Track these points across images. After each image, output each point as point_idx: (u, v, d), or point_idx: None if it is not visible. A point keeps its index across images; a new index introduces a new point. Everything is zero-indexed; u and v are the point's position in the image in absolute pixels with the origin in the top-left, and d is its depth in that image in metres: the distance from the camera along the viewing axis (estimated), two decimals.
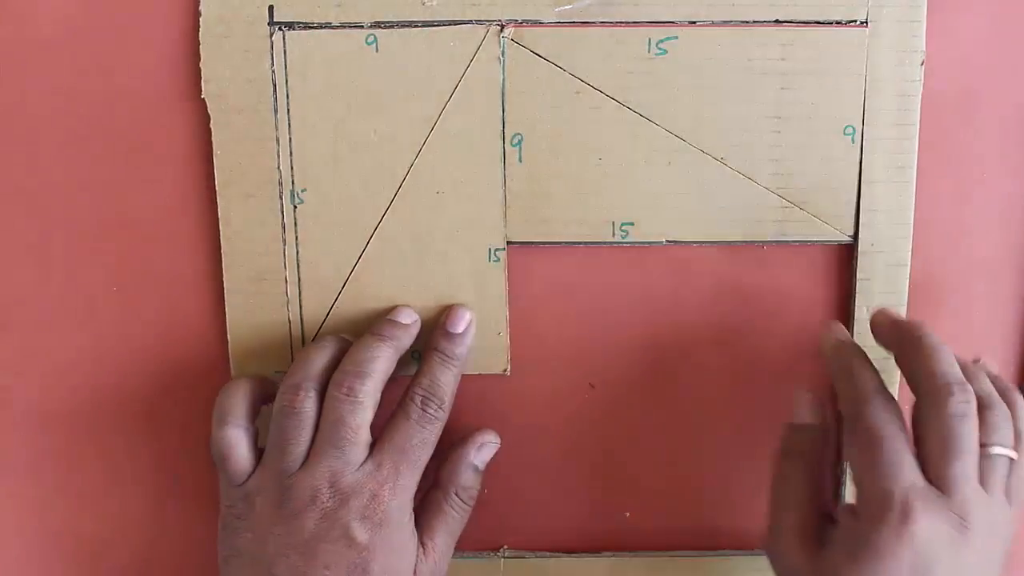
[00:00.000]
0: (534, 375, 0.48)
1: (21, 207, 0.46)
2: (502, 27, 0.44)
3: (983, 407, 0.41)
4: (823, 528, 0.42)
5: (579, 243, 0.46)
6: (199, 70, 0.44)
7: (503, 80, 0.44)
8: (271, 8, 0.43)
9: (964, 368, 0.42)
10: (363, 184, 0.45)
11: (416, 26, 0.44)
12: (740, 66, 0.44)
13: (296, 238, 0.46)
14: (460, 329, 0.45)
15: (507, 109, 0.45)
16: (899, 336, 0.43)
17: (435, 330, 0.45)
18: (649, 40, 0.44)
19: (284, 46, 0.44)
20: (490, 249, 0.46)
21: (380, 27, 0.44)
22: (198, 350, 0.47)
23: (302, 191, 0.45)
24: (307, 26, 0.44)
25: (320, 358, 0.43)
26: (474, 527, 0.47)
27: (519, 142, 0.45)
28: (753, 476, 0.49)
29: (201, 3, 0.43)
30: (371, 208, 0.46)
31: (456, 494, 0.45)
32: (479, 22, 0.44)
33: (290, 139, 0.45)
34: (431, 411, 0.43)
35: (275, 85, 0.44)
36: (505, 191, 0.46)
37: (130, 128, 0.45)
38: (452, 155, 0.45)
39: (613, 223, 0.46)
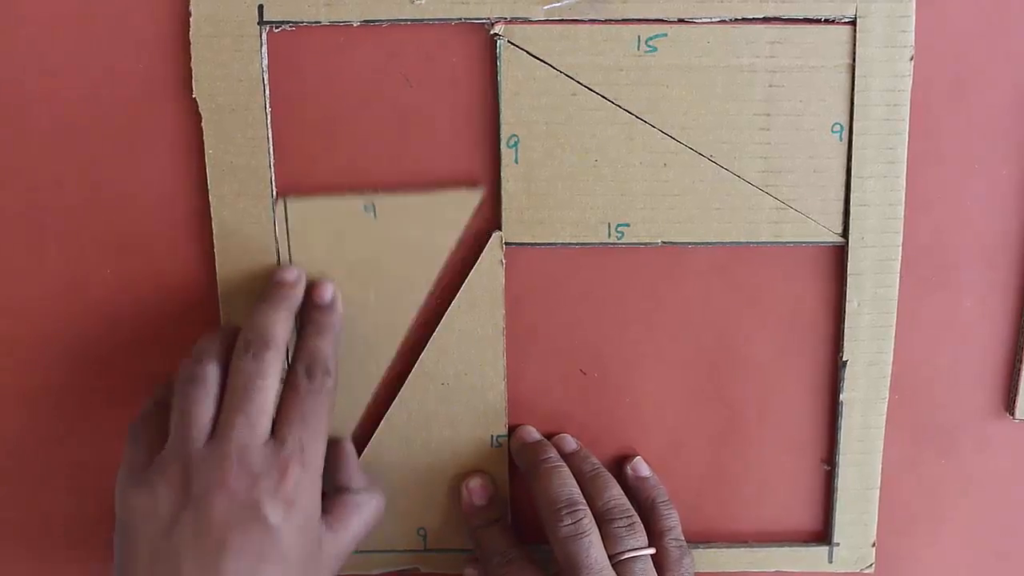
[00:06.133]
0: (531, 376, 0.49)
1: (14, 207, 0.47)
2: (492, 24, 0.44)
3: (603, 521, 0.45)
4: None
5: (575, 244, 0.47)
6: (190, 69, 0.44)
7: (499, 81, 0.45)
8: (261, 7, 0.44)
9: (593, 482, 0.46)
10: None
11: (405, 23, 0.44)
12: (729, 64, 0.44)
13: None
14: (328, 299, 0.45)
15: (503, 110, 0.45)
16: (525, 459, 0.47)
17: (305, 304, 0.45)
18: (639, 37, 0.44)
19: (287, 216, 0.46)
20: (492, 436, 0.48)
21: (369, 25, 0.44)
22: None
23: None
24: (297, 24, 0.44)
25: (219, 336, 0.43)
26: None
27: (516, 143, 0.45)
28: (738, 472, 0.50)
29: (191, 3, 0.43)
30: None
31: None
32: (468, 20, 0.44)
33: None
34: (317, 378, 0.42)
35: (266, 84, 0.44)
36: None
37: (123, 126, 0.45)
38: (456, 347, 0.47)
39: (609, 224, 0.46)
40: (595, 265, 0.47)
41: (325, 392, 0.42)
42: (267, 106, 0.44)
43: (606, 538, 0.44)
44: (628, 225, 0.46)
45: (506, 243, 0.46)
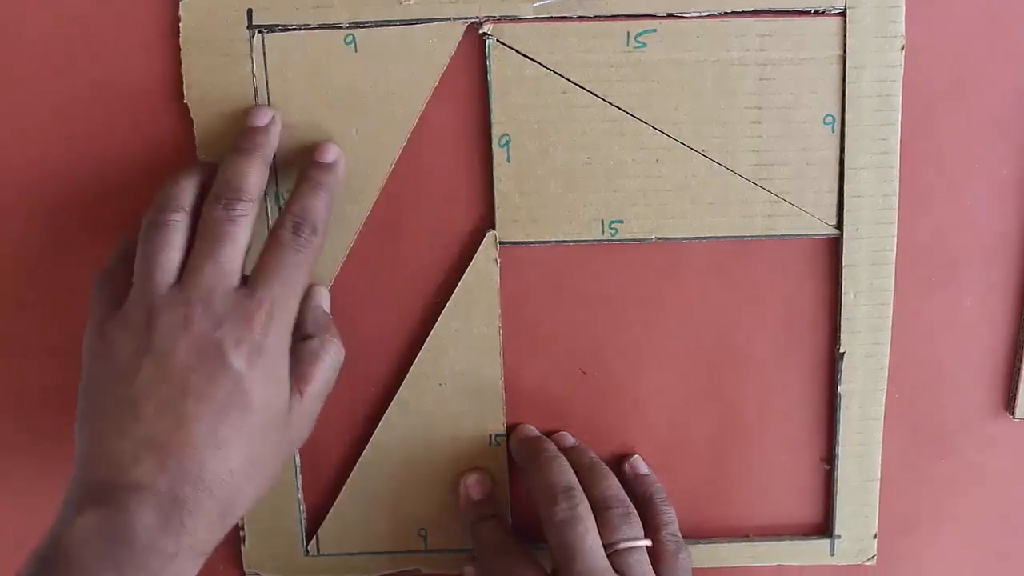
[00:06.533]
0: (529, 375, 0.49)
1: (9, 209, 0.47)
2: (480, 24, 0.44)
3: (600, 510, 0.44)
4: None
5: (569, 242, 0.47)
6: (181, 74, 0.44)
7: (489, 81, 0.45)
8: (250, 11, 0.44)
9: (590, 474, 0.46)
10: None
11: (394, 25, 0.44)
12: (719, 57, 0.44)
13: None
14: (330, 159, 0.43)
15: (494, 110, 0.45)
16: (524, 453, 0.47)
17: (306, 161, 0.44)
18: (628, 33, 0.44)
19: (264, 48, 0.44)
20: (491, 435, 0.48)
21: (358, 27, 0.44)
22: None
23: None
24: (286, 28, 0.44)
25: (187, 182, 0.42)
26: None
27: (507, 143, 0.45)
28: (738, 466, 0.50)
29: (181, 8, 0.44)
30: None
31: (318, 336, 0.43)
32: (457, 19, 0.44)
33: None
34: (304, 236, 0.41)
35: (256, 88, 0.44)
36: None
37: (115, 132, 0.45)
38: (453, 347, 0.47)
39: (602, 221, 0.46)
40: (591, 262, 0.47)
41: (309, 249, 0.41)
42: None
43: (602, 527, 0.44)
44: (622, 222, 0.46)
45: (500, 242, 0.46)
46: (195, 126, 0.45)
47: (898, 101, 0.45)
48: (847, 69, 0.44)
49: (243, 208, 0.40)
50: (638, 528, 0.44)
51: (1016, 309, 0.48)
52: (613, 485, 0.46)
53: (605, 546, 0.43)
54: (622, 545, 0.43)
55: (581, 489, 0.45)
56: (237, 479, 0.39)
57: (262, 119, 0.43)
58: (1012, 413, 0.49)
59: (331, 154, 0.43)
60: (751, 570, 0.50)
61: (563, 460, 0.46)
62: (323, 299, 0.46)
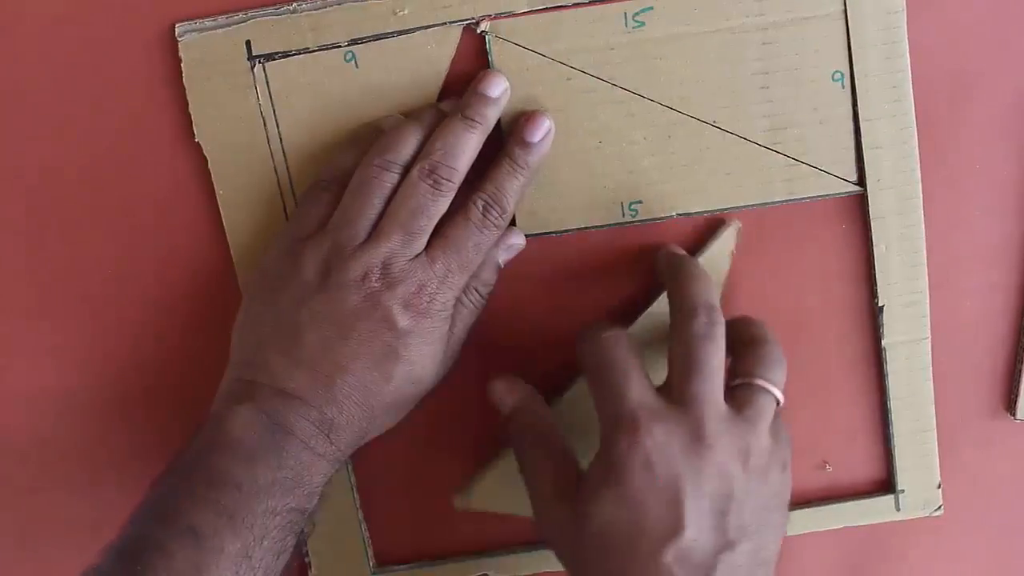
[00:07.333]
0: (550, 364, 0.48)
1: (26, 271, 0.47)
2: (477, 23, 0.44)
3: (751, 344, 0.42)
4: (577, 480, 0.41)
5: (590, 228, 0.46)
6: (189, 114, 0.45)
7: None
8: (248, 43, 0.44)
9: (746, 321, 0.43)
10: None
11: (391, 36, 0.44)
12: (719, 27, 0.44)
13: None
14: (537, 138, 0.43)
15: None
16: (668, 265, 0.44)
17: (510, 134, 0.44)
18: (625, 14, 0.44)
19: (266, 77, 0.44)
20: None
21: (357, 43, 0.44)
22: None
23: None
24: (286, 54, 0.44)
25: (412, 138, 0.43)
26: None
27: None
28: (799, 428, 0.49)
29: (180, 50, 0.44)
30: None
31: (475, 289, 0.44)
32: (452, 23, 0.44)
33: (287, 167, 0.45)
34: (492, 218, 0.42)
35: (264, 117, 0.45)
36: None
37: (132, 181, 0.46)
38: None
39: (622, 204, 0.46)
40: (613, 246, 0.47)
41: (494, 230, 0.43)
42: (269, 138, 0.45)
43: (743, 359, 0.41)
44: (641, 202, 0.46)
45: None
46: (210, 163, 0.45)
47: (905, 47, 0.44)
48: (849, 21, 0.44)
49: (450, 187, 0.42)
50: (782, 378, 0.41)
51: (1016, 309, 0.48)
52: (771, 334, 0.43)
53: (741, 375, 0.41)
54: (759, 381, 0.40)
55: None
56: (378, 413, 0.42)
57: (495, 89, 0.43)
58: (1012, 413, 0.49)
59: (539, 132, 0.43)
60: (815, 537, 0.49)
61: (711, 280, 0.43)
62: (510, 253, 0.45)
